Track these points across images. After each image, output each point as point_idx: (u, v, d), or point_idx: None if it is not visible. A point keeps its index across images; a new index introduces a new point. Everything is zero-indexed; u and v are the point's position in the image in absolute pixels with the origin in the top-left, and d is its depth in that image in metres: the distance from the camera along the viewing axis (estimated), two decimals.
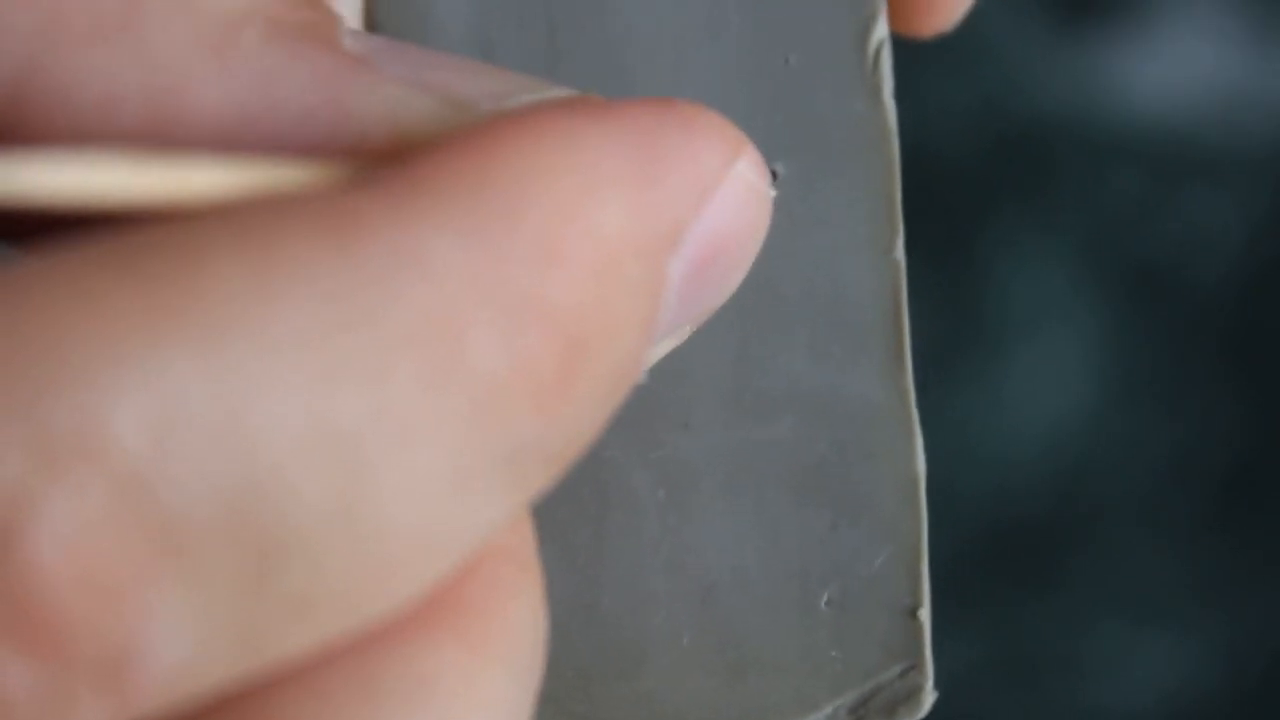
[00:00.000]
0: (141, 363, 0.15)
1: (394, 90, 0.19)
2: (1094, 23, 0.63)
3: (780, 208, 0.23)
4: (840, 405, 0.23)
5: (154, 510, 0.15)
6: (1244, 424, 0.62)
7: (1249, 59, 0.63)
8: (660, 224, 0.18)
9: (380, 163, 0.17)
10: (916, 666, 0.23)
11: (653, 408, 0.23)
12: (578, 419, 0.17)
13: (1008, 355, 0.62)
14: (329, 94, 0.18)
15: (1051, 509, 0.61)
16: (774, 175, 0.23)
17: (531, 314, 0.17)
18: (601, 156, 0.17)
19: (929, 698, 0.23)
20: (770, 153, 0.23)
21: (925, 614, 0.23)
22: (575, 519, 0.23)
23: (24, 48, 0.18)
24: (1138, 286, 0.62)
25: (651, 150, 0.18)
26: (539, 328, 0.17)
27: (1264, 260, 0.62)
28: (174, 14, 0.18)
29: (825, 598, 0.23)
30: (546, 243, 0.17)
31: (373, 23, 0.23)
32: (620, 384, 0.18)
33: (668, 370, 0.23)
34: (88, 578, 0.15)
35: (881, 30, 0.23)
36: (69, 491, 0.15)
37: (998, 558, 0.61)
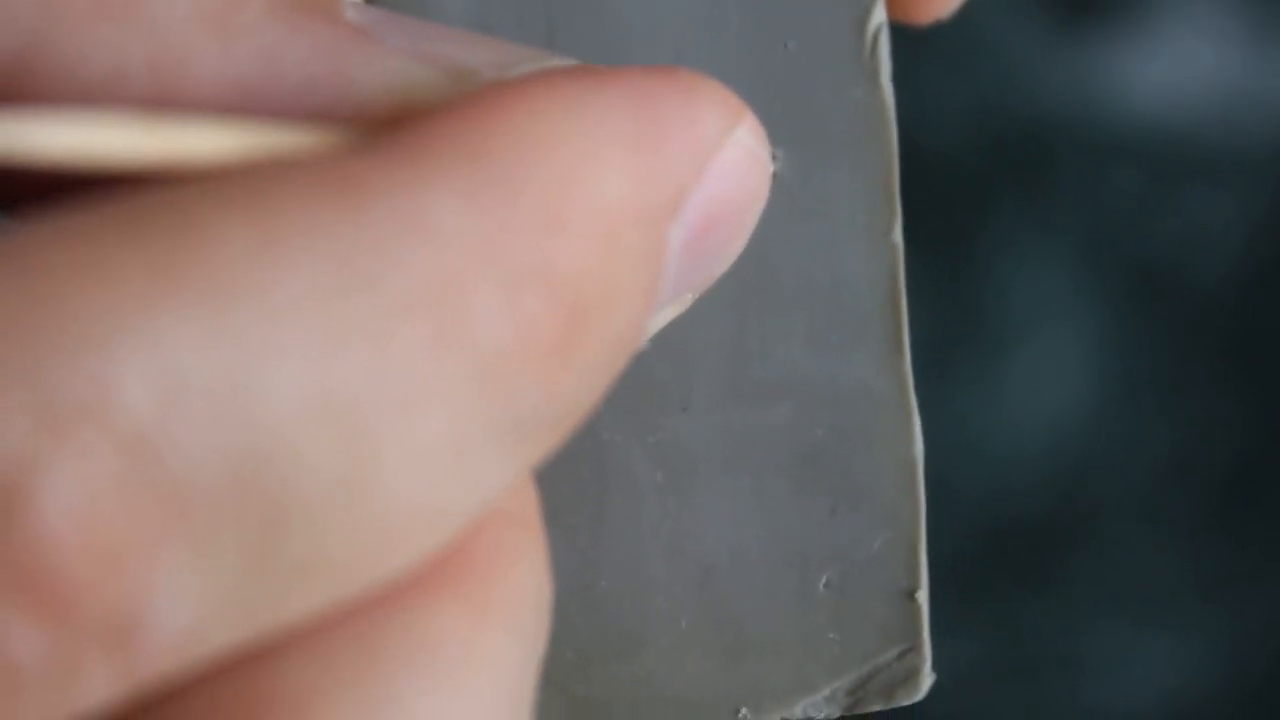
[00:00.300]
0: (146, 326, 0.15)
1: (395, 61, 0.19)
2: (1094, 23, 0.63)
3: (778, 193, 0.23)
4: (838, 390, 0.23)
5: (159, 475, 0.15)
6: (1244, 423, 0.62)
7: (1249, 59, 0.63)
8: (661, 190, 0.18)
9: (384, 130, 0.17)
10: (914, 649, 0.23)
11: (652, 391, 0.23)
12: (580, 385, 0.17)
13: (1007, 354, 0.62)
14: (331, 66, 0.18)
15: (1051, 508, 0.61)
16: (772, 158, 0.23)
17: (534, 280, 0.17)
18: (602, 122, 0.17)
19: (927, 680, 0.23)
20: (769, 139, 0.23)
21: (923, 597, 0.23)
22: (574, 501, 0.23)
23: (29, 22, 0.18)
24: (1138, 286, 0.62)
25: (652, 117, 0.18)
26: (541, 294, 0.17)
27: (1264, 260, 0.62)
28: None
29: (824, 581, 0.23)
30: (548, 209, 0.17)
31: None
32: (622, 350, 0.18)
33: (667, 354, 0.23)
34: (93, 542, 0.15)
35: (879, 15, 0.23)
36: (75, 455, 0.15)
37: (997, 556, 0.61)
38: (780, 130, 0.23)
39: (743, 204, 0.19)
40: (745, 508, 0.23)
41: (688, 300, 0.19)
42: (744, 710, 0.23)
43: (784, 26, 0.23)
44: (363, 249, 0.16)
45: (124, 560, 0.15)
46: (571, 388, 0.17)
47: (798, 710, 0.23)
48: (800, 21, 0.23)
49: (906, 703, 0.23)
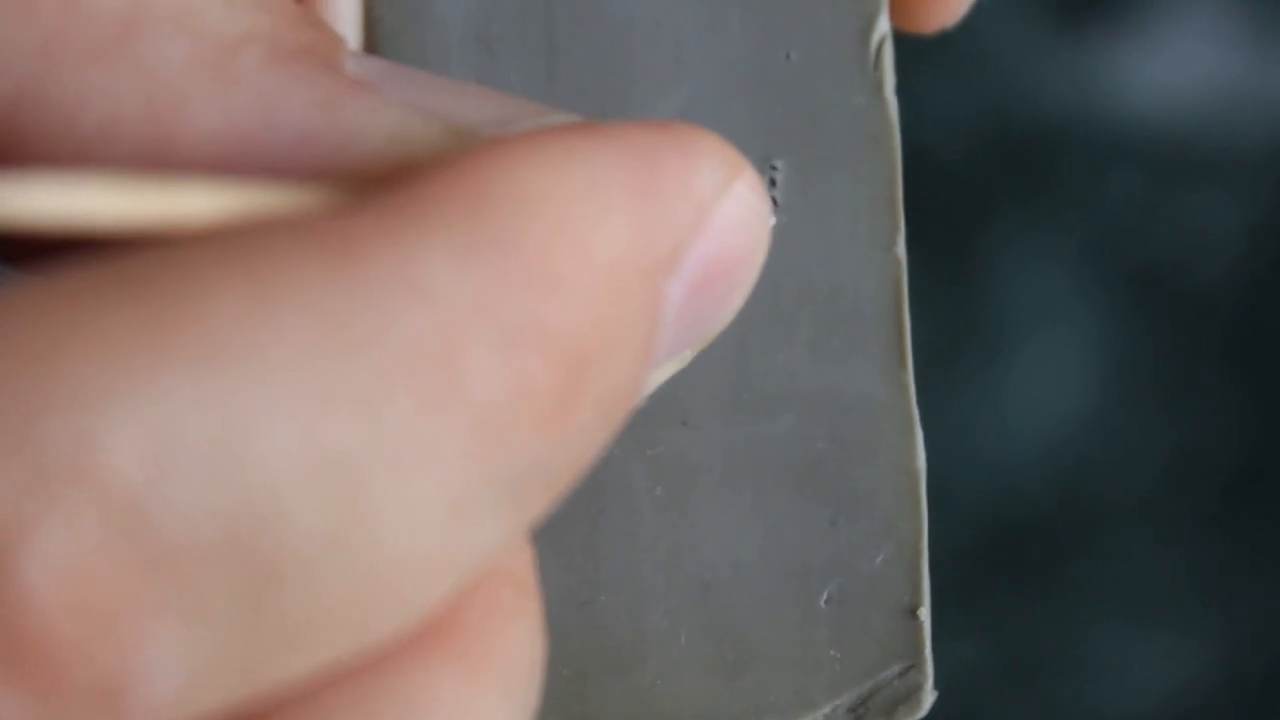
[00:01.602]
0: (136, 388, 0.15)
1: (395, 114, 0.18)
2: (1094, 23, 0.63)
3: (781, 203, 0.23)
4: (840, 402, 0.23)
5: (149, 537, 0.15)
6: (1244, 424, 0.62)
7: (1249, 59, 0.63)
8: (658, 245, 0.17)
9: (379, 187, 0.17)
10: (916, 666, 0.23)
11: (651, 404, 0.23)
12: (577, 443, 0.17)
13: (1008, 357, 0.62)
14: (329, 117, 0.18)
15: (1051, 510, 0.61)
16: (773, 169, 0.23)
17: (530, 337, 0.16)
18: (598, 178, 0.17)
19: (928, 697, 0.23)
20: (771, 148, 0.23)
21: (925, 613, 0.23)
22: (571, 515, 0.23)
23: (23, 67, 0.18)
24: (1139, 289, 0.62)
25: (649, 171, 0.17)
26: (538, 351, 0.16)
27: (1264, 260, 0.62)
28: (173, 34, 0.18)
29: (825, 596, 0.23)
30: (545, 265, 0.16)
31: (371, 18, 0.23)
32: (619, 407, 0.17)
33: None
34: (81, 606, 0.15)
35: (883, 25, 0.23)
36: (62, 519, 0.14)
37: (998, 559, 0.61)
38: (782, 140, 0.23)
39: (742, 258, 0.18)
40: (745, 521, 0.23)
41: (687, 357, 0.19)
42: None
43: (786, 36, 0.23)
44: (355, 309, 0.16)
45: (112, 625, 0.15)
46: (568, 446, 0.17)
47: None
48: (803, 31, 0.23)
49: None
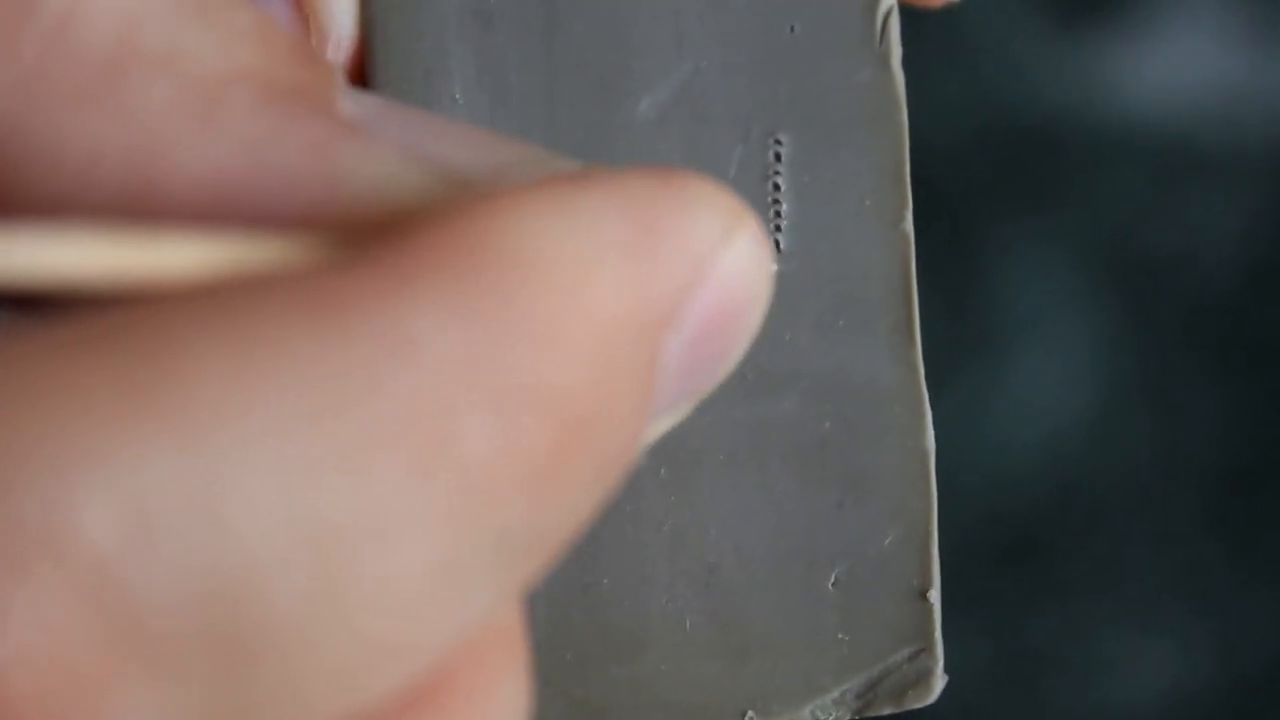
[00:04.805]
0: (111, 454, 0.14)
1: (388, 160, 0.18)
2: (1094, 23, 0.62)
3: (786, 179, 0.22)
4: (847, 381, 0.22)
5: (123, 611, 0.14)
6: (1243, 424, 0.62)
7: (1249, 58, 0.62)
8: (657, 301, 0.17)
9: (370, 235, 0.17)
10: (926, 649, 0.22)
11: None
12: (571, 505, 0.16)
13: (1007, 356, 0.61)
14: (320, 161, 0.18)
15: (1051, 509, 0.61)
16: (778, 144, 0.23)
17: (524, 397, 0.16)
18: (595, 234, 0.17)
19: (939, 682, 0.22)
20: (775, 123, 0.23)
21: (935, 595, 0.22)
22: None
23: (4, 106, 0.17)
24: (1138, 286, 0.62)
25: (647, 225, 0.17)
26: (531, 412, 0.16)
27: (1264, 260, 0.62)
28: (159, 75, 0.18)
29: (832, 578, 0.22)
30: (540, 322, 0.16)
31: None
32: (615, 467, 0.17)
33: None
34: (53, 680, 0.14)
35: None
36: (32, 593, 0.14)
37: (997, 558, 0.61)
38: (786, 115, 0.22)
39: (743, 310, 0.18)
40: (750, 503, 0.22)
41: (685, 410, 0.19)
42: (750, 713, 0.22)
43: (790, 8, 0.23)
44: (341, 370, 0.15)
45: (86, 699, 0.14)
46: (561, 508, 0.16)
47: (806, 713, 0.22)
48: (807, 3, 0.22)
49: (918, 705, 0.22)
